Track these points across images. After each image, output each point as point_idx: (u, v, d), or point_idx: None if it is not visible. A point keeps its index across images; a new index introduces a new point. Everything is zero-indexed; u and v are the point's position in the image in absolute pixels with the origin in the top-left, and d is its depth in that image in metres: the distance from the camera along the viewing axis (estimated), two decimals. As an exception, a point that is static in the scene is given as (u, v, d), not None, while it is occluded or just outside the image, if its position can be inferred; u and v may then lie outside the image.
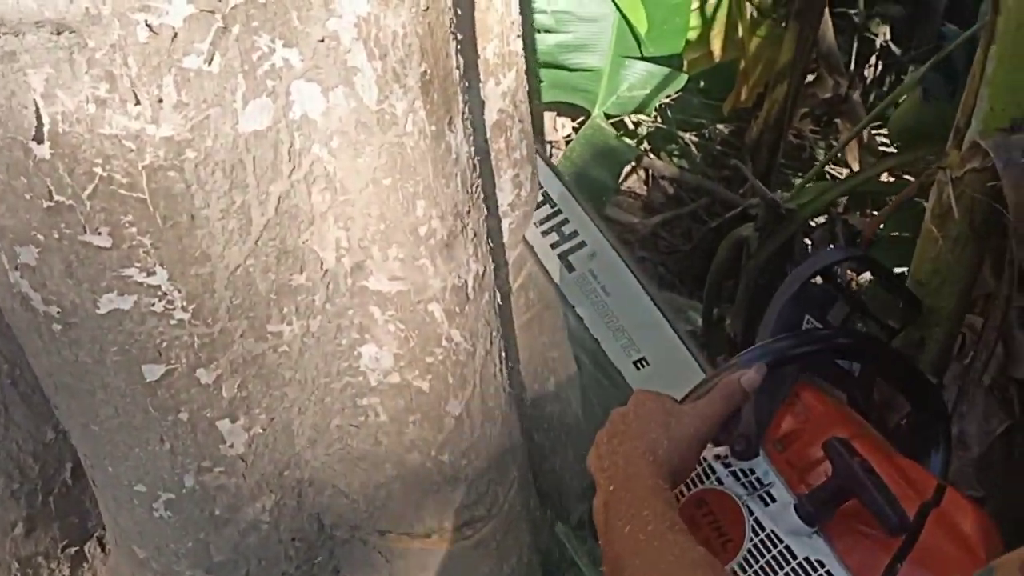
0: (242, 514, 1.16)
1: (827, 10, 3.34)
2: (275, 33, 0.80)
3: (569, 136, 3.66)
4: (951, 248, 0.99)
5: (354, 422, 1.16)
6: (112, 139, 0.78)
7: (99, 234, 0.83)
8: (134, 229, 0.84)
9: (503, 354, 1.26)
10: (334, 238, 0.96)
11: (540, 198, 1.47)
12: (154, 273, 0.87)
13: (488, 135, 1.32)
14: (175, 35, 0.75)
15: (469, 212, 1.06)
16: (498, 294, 1.25)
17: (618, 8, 2.87)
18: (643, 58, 3.03)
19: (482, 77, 1.26)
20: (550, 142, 3.61)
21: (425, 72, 0.90)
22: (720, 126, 4.44)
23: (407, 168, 0.93)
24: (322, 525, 1.29)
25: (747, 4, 3.53)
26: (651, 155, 4.41)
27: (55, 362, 0.96)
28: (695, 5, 3.47)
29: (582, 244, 1.45)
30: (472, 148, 1.06)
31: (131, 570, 1.23)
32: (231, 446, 1.07)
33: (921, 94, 1.14)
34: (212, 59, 0.78)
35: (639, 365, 1.41)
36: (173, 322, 0.92)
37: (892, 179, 2.25)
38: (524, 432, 1.60)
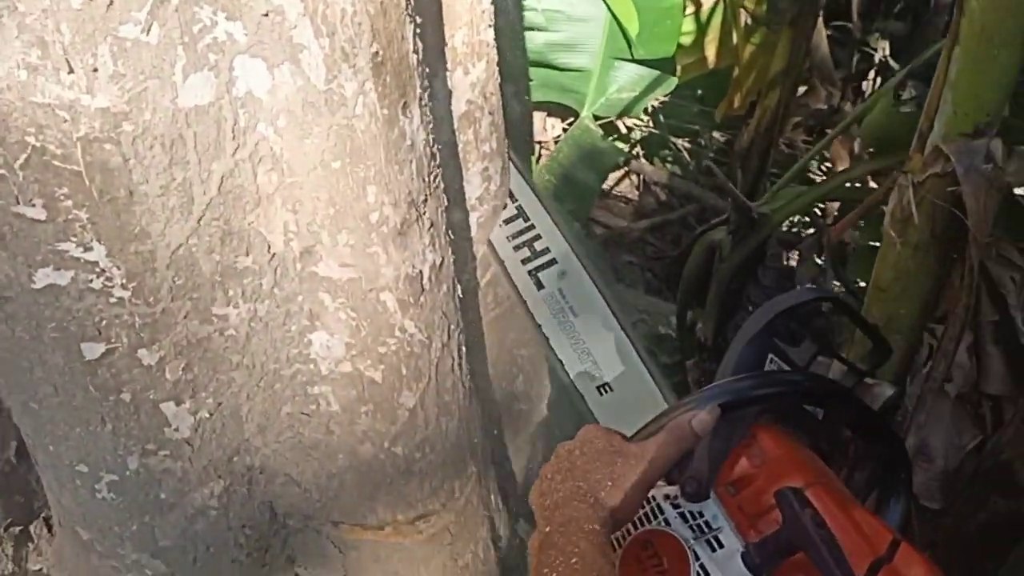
0: (189, 499, 1.14)
1: (821, 20, 3.33)
2: (217, 5, 0.78)
3: (559, 137, 3.64)
4: (911, 254, 0.98)
5: (305, 410, 1.14)
6: (45, 108, 0.76)
7: (33, 206, 0.81)
8: (69, 202, 0.82)
9: (462, 348, 1.24)
10: (282, 221, 0.95)
11: (514, 212, 1.45)
12: (91, 248, 0.86)
13: (456, 126, 1.31)
14: (110, 2, 0.73)
15: (426, 201, 1.04)
16: (459, 287, 1.23)
17: (609, 9, 2.86)
18: (634, 60, 3.02)
19: (450, 66, 1.25)
20: (539, 142, 3.60)
21: (377, 53, 0.88)
22: (716, 133, 4.43)
23: (357, 152, 0.91)
24: (275, 514, 1.27)
25: (742, 11, 3.52)
26: (643, 159, 4.41)
27: (-8, 337, 0.94)
28: (690, 10, 3.46)
29: (552, 262, 1.43)
30: (431, 136, 1.04)
31: (75, 551, 1.21)
32: (176, 429, 1.05)
33: (892, 98, 1.12)
34: (150, 29, 0.76)
35: (602, 391, 1.39)
36: (113, 300, 0.90)
37: (876, 186, 2.24)
38: (488, 428, 1.58)
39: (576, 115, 3.21)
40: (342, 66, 0.85)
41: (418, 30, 0.98)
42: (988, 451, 1.12)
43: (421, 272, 1.06)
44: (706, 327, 1.61)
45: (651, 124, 4.22)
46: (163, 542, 1.16)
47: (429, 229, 1.06)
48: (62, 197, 0.81)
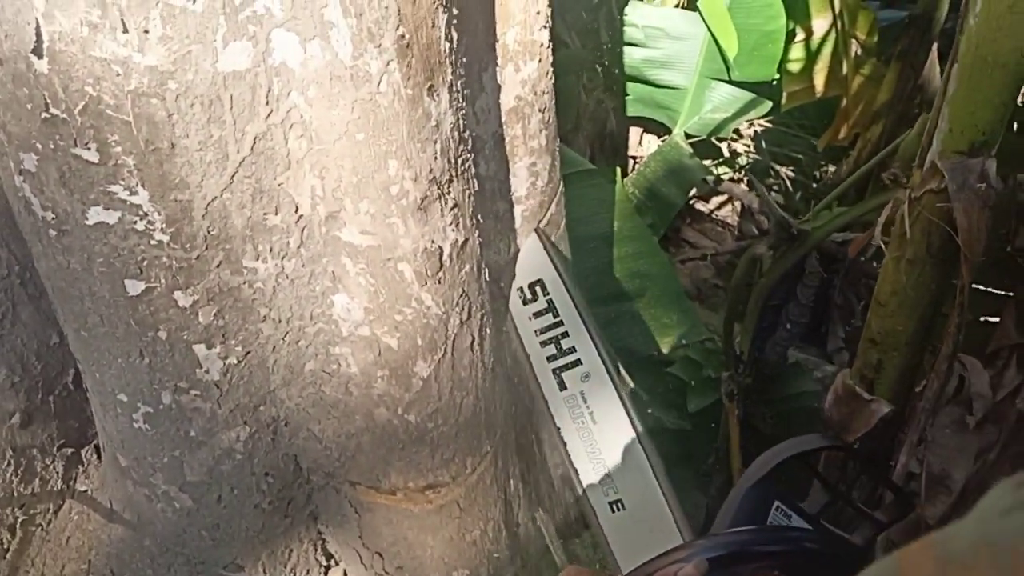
0: (216, 439, 1.23)
1: (935, 54, 3.23)
2: (257, -18, 0.87)
3: (654, 151, 3.66)
4: (907, 270, 0.97)
5: (327, 369, 1.22)
6: (102, 62, 0.86)
7: (88, 149, 0.92)
8: (119, 149, 0.92)
9: (485, 330, 1.30)
10: (309, 185, 1.03)
11: (544, 306, 1.44)
12: (136, 193, 0.96)
13: (504, 119, 1.37)
14: (162, -28, 0.83)
15: (451, 181, 1.11)
16: (486, 272, 1.29)
17: (709, 29, 2.87)
18: (730, 81, 3.02)
19: (500, 62, 1.31)
20: (633, 157, 3.63)
21: (403, 36, 0.95)
22: (830, 165, 4.35)
23: (380, 126, 0.98)
24: (299, 467, 1.36)
25: (853, 41, 3.46)
26: (743, 184, 4.36)
27: (51, 266, 1.06)
28: (800, 37, 3.43)
29: (578, 362, 1.42)
30: (461, 120, 1.11)
31: (114, 477, 1.33)
32: (207, 371, 1.15)
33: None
34: (196, -1, 0.85)
35: (614, 507, 1.39)
36: (153, 242, 1.00)
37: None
38: (520, 418, 1.63)
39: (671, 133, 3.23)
40: (368, 45, 0.93)
41: (455, 21, 1.05)
42: (973, 479, 1.10)
43: (441, 248, 1.13)
44: (743, 341, 1.62)
45: (751, 147, 4.18)
46: (191, 477, 1.26)
47: (452, 208, 1.13)
48: (113, 143, 0.92)
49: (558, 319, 1.44)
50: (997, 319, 1.44)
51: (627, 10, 2.94)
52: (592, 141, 3.48)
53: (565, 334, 1.43)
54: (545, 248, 1.46)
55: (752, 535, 0.90)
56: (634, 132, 3.62)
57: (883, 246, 1.00)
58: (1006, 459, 1.09)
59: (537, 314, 1.44)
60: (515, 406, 1.59)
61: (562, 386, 1.43)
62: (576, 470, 1.42)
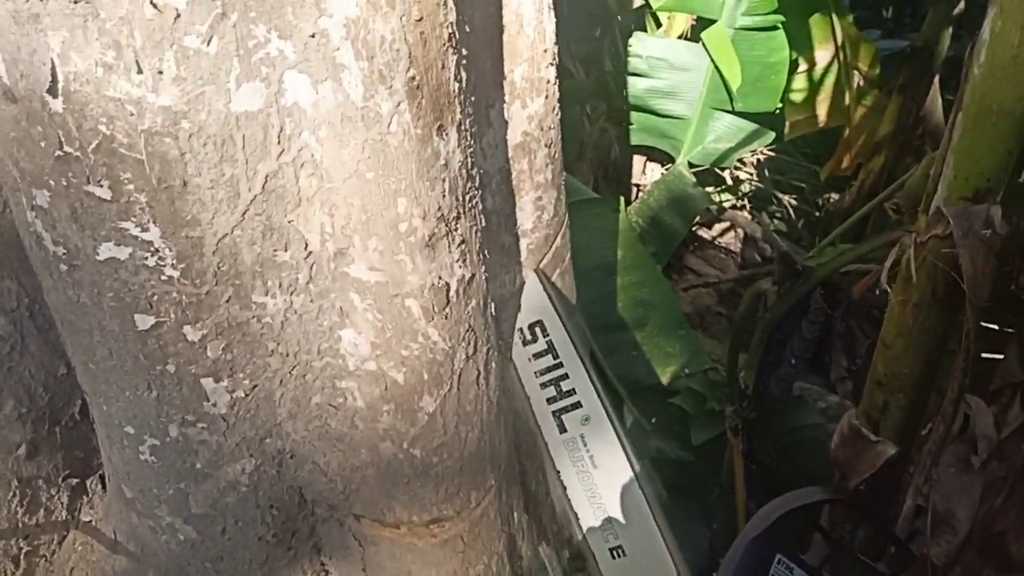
0: (222, 472, 1.24)
1: (937, 87, 3.26)
2: (271, 24, 0.89)
3: (657, 180, 3.69)
4: (913, 313, 0.98)
5: (333, 402, 1.22)
6: (116, 102, 0.87)
7: (101, 186, 0.93)
8: (132, 186, 0.93)
9: (490, 364, 1.30)
10: (319, 222, 1.04)
11: (544, 347, 1.44)
12: (148, 229, 0.97)
13: (511, 155, 1.38)
14: (178, 15, 0.84)
15: (458, 218, 1.12)
16: (492, 307, 1.29)
17: (712, 61, 2.90)
18: (733, 112, 3.04)
19: (508, 98, 1.33)
20: (636, 185, 3.65)
21: (413, 78, 0.96)
22: (833, 193, 4.38)
23: (389, 165, 0.99)
24: (304, 499, 1.36)
25: (855, 72, 3.49)
26: (746, 211, 4.38)
27: (61, 300, 1.06)
28: (803, 68, 3.46)
29: (578, 405, 1.42)
30: (469, 159, 1.12)
31: (119, 508, 1.33)
32: (214, 404, 1.15)
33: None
34: (210, 41, 0.87)
35: (615, 554, 1.38)
36: (164, 277, 1.01)
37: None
38: (522, 449, 1.63)
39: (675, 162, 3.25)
40: (379, 87, 0.94)
41: (464, 61, 1.07)
42: (979, 520, 1.10)
43: (448, 284, 1.14)
44: (747, 375, 1.62)
45: (754, 176, 4.20)
46: (196, 509, 1.26)
47: (460, 244, 1.13)
48: (126, 181, 0.93)
49: (558, 360, 1.44)
50: (1001, 356, 1.44)
51: (631, 41, 2.97)
52: (596, 169, 3.50)
53: (565, 376, 1.42)
54: (545, 289, 1.46)
55: None
56: (638, 160, 3.64)
57: (888, 290, 1.01)
58: (1013, 503, 1.09)
59: (537, 355, 1.45)
60: (523, 436, 1.59)
61: (562, 429, 1.43)
62: (576, 515, 1.42)
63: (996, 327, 1.44)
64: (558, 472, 1.42)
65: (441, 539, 1.36)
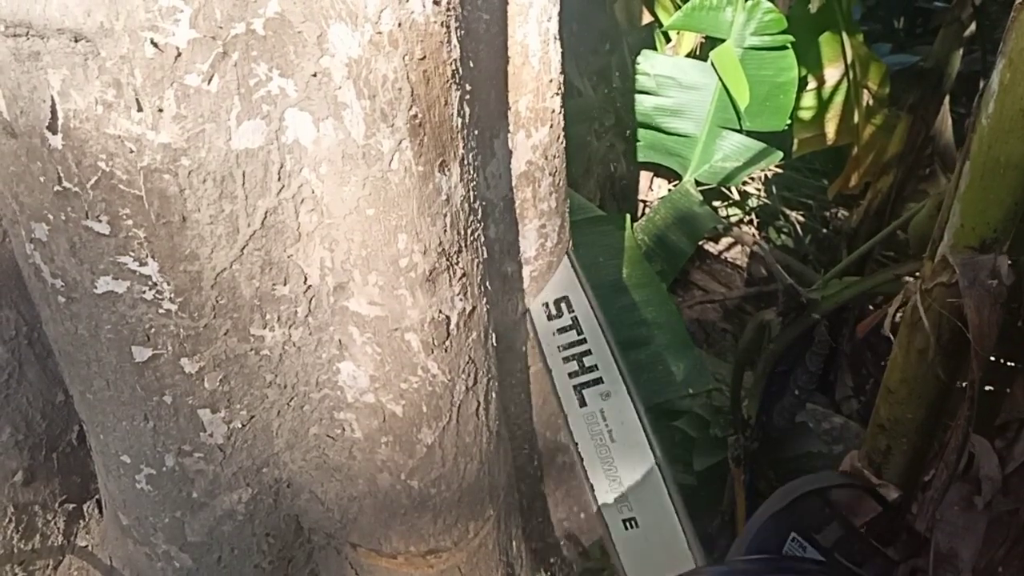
0: (218, 501, 1.23)
1: (947, 107, 3.24)
2: (272, 63, 0.88)
3: (664, 197, 3.67)
4: (917, 360, 0.97)
5: (331, 433, 1.21)
6: (115, 139, 0.87)
7: (99, 221, 0.92)
8: (130, 222, 0.93)
9: (491, 395, 1.29)
10: (319, 257, 1.03)
11: (568, 322, 1.46)
12: (146, 264, 0.96)
13: (514, 183, 1.37)
14: (179, 54, 0.84)
15: (459, 252, 1.11)
16: (493, 336, 1.29)
17: (721, 80, 2.88)
18: (741, 131, 3.02)
19: (512, 128, 1.32)
20: (643, 201, 3.63)
21: (416, 116, 0.96)
22: (841, 209, 4.35)
23: (390, 202, 0.99)
24: (300, 527, 1.35)
25: (865, 91, 3.48)
26: (752, 228, 4.36)
27: (59, 331, 1.06)
28: (812, 86, 3.45)
29: (599, 380, 1.43)
30: (472, 193, 1.11)
31: (115, 534, 1.32)
32: (211, 435, 1.15)
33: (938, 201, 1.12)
34: (211, 79, 0.86)
35: (628, 525, 1.39)
36: (161, 311, 1.00)
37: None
38: (522, 475, 1.62)
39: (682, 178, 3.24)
40: (380, 125, 0.93)
41: (467, 96, 1.06)
42: (982, 570, 1.08)
43: (448, 318, 1.13)
44: (750, 405, 1.61)
45: (762, 192, 4.18)
46: (192, 538, 1.26)
47: (461, 278, 1.13)
48: (124, 216, 0.92)
49: (581, 336, 1.45)
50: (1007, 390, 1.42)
51: (639, 59, 2.95)
52: (603, 185, 3.49)
53: (588, 352, 1.44)
54: (573, 266, 1.48)
55: (764, 564, 0.94)
56: (644, 177, 3.63)
57: (892, 337, 1.00)
58: (1016, 553, 1.07)
59: (561, 330, 1.46)
60: (525, 462, 1.58)
61: (583, 403, 1.44)
62: (592, 486, 1.43)
63: (1002, 361, 1.43)
64: (576, 444, 1.43)
65: (438, 570, 1.35)
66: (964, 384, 0.95)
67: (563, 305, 1.47)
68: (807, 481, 1.07)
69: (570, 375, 1.45)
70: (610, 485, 1.42)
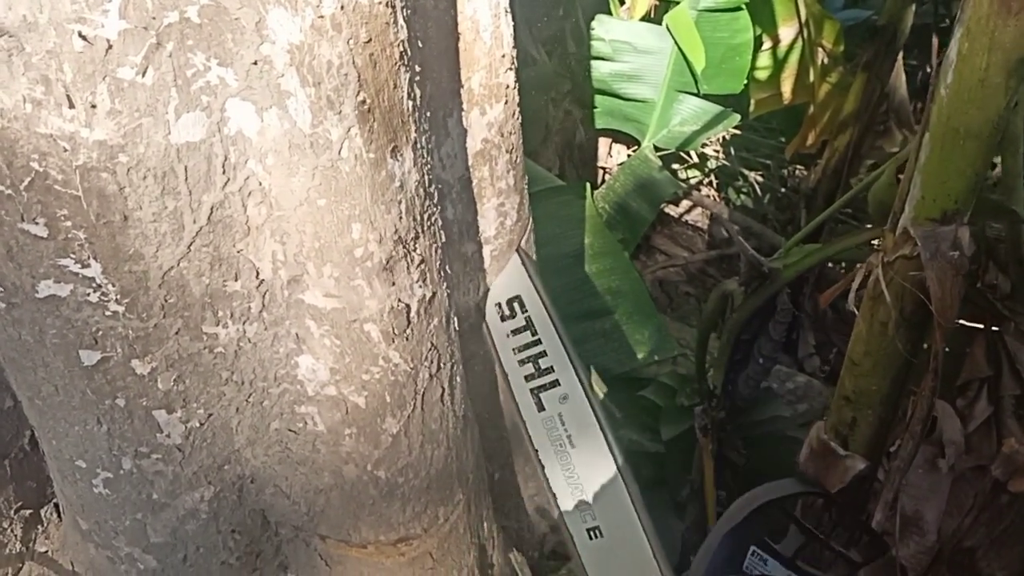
0: (180, 501, 1.20)
1: (900, 63, 3.25)
2: (210, 52, 0.84)
3: (623, 164, 3.66)
4: (881, 332, 0.96)
5: (292, 428, 1.19)
6: (47, 138, 0.83)
7: (36, 223, 0.88)
8: (69, 223, 0.88)
9: (455, 379, 1.27)
10: (270, 251, 1.00)
11: (523, 323, 1.41)
12: (88, 265, 0.92)
13: (471, 163, 1.34)
14: (109, 47, 0.79)
15: (416, 238, 1.08)
16: (455, 320, 1.26)
17: (676, 43, 2.86)
18: (698, 95, 3.01)
19: (466, 106, 1.28)
20: (602, 168, 3.62)
21: (364, 101, 0.92)
22: (799, 167, 4.37)
23: (342, 191, 0.96)
24: (267, 521, 1.32)
25: (819, 49, 3.47)
26: (712, 190, 4.37)
27: (2, 337, 1.01)
28: (767, 45, 3.43)
29: (556, 383, 1.39)
30: (426, 177, 1.08)
31: (75, 539, 1.29)
32: (168, 435, 1.12)
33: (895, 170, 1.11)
34: (145, 72, 0.82)
35: (592, 534, 1.37)
36: (108, 313, 0.97)
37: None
38: (490, 456, 1.61)
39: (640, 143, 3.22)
40: (327, 112, 0.90)
41: (417, 77, 1.02)
42: (949, 536, 1.10)
43: (408, 306, 1.10)
44: (715, 375, 1.61)
45: (720, 154, 4.19)
46: (155, 539, 1.23)
47: (419, 265, 1.10)
48: (62, 218, 0.88)
49: (536, 338, 1.41)
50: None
51: (594, 23, 2.92)
52: (561, 153, 3.46)
53: (543, 353, 1.40)
54: (524, 264, 1.43)
55: None
56: (603, 143, 3.61)
57: (855, 310, 0.99)
58: (983, 520, 1.09)
59: (516, 331, 1.42)
60: (495, 442, 1.57)
61: (540, 407, 1.40)
62: (554, 494, 1.40)
63: (963, 323, 1.44)
64: (536, 451, 1.39)
65: (409, 557, 1.34)
66: (928, 354, 0.94)
67: (516, 305, 1.44)
68: (764, 492, 1.06)
69: (526, 378, 1.41)
70: (572, 493, 1.39)
